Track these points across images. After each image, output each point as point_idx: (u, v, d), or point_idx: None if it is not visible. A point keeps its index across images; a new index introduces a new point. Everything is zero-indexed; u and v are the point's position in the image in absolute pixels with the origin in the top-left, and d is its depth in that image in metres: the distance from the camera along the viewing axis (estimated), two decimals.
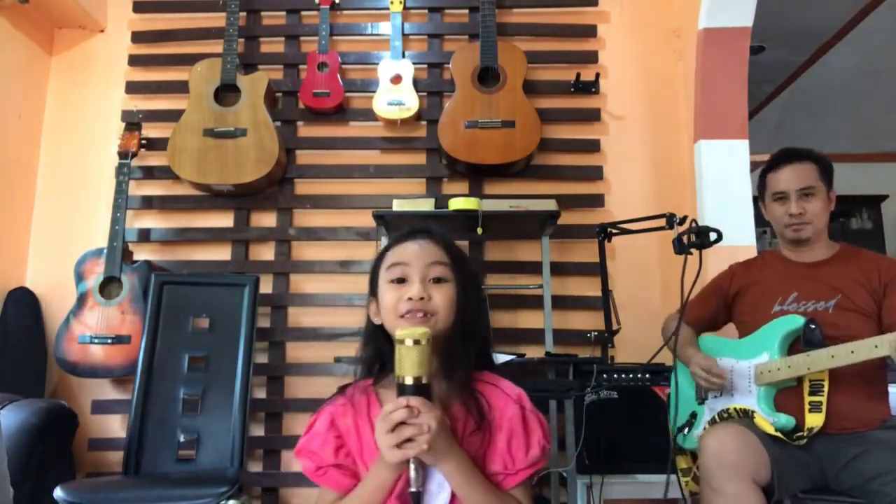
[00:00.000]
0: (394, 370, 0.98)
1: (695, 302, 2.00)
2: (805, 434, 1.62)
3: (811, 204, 1.83)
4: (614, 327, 2.41)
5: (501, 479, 1.06)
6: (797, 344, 1.73)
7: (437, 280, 1.08)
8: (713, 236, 1.92)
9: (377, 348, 1.13)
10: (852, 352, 1.55)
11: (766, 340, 1.77)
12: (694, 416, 1.91)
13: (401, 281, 1.08)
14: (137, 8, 3.06)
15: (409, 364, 0.96)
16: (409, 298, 1.05)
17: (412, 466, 0.97)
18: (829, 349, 1.60)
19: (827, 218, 1.87)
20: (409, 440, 0.94)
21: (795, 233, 1.86)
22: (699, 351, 1.90)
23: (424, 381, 0.96)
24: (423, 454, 0.95)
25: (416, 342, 0.96)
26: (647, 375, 2.22)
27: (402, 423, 0.94)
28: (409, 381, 0.96)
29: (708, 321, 2.04)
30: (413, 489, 0.97)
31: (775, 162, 1.91)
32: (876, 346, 1.51)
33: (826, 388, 1.64)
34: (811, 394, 1.67)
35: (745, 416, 1.70)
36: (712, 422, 1.79)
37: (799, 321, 1.72)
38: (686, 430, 1.90)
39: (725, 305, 2.00)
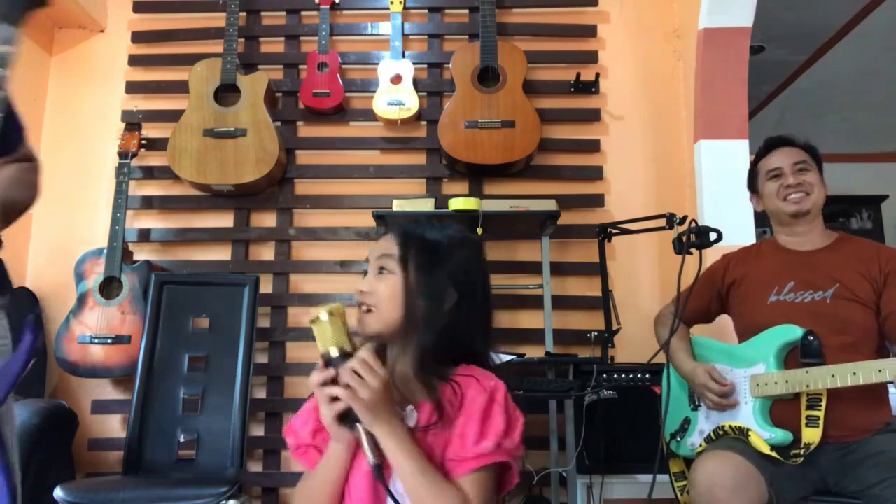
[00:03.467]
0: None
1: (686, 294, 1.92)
2: (801, 451, 1.57)
3: (807, 175, 1.81)
4: (614, 327, 2.41)
5: (452, 465, 1.01)
6: (794, 353, 1.68)
7: (381, 271, 1.11)
8: (713, 236, 1.92)
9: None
10: (854, 373, 1.51)
11: (763, 350, 1.71)
12: (687, 421, 1.88)
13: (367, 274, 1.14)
14: (137, 8, 3.06)
15: (325, 338, 1.00)
16: (359, 290, 1.10)
17: (363, 438, 0.99)
18: (831, 368, 1.56)
19: (823, 198, 1.83)
20: (337, 398, 0.98)
21: (796, 205, 1.80)
22: (699, 363, 1.83)
23: (347, 348, 1.01)
24: (360, 410, 0.97)
25: (330, 314, 1.00)
26: (647, 375, 2.23)
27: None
28: (334, 352, 1.00)
29: (701, 313, 1.99)
30: (372, 461, 0.97)
31: (765, 148, 1.91)
32: (879, 371, 1.47)
33: (824, 403, 1.60)
34: (809, 408, 1.62)
35: (741, 435, 1.65)
36: (707, 439, 1.75)
37: (797, 332, 1.66)
38: (679, 436, 1.87)
39: (719, 297, 1.94)
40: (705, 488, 1.50)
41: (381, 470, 0.97)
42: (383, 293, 1.08)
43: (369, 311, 1.08)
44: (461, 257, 1.13)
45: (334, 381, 0.99)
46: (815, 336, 1.64)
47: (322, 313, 1.00)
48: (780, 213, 1.85)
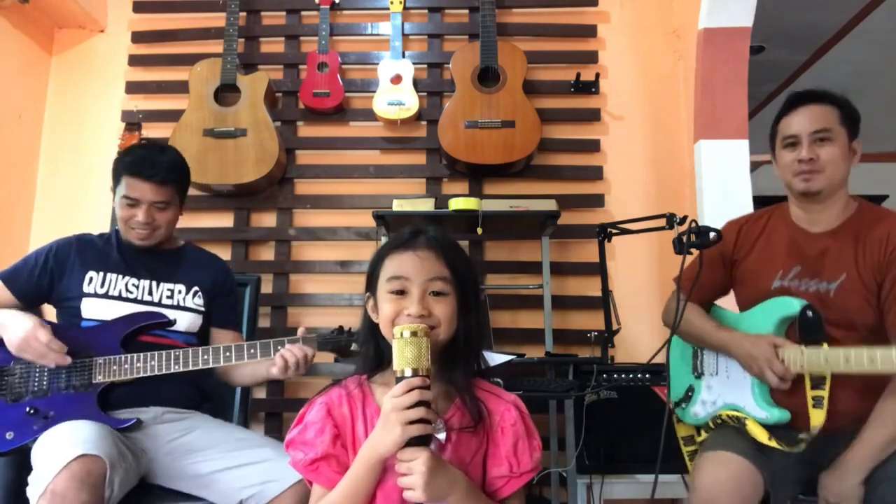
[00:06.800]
0: (392, 366, 0.99)
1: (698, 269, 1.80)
2: (806, 437, 1.53)
3: (825, 150, 1.61)
4: (614, 327, 2.41)
5: (506, 482, 1.06)
6: (794, 330, 1.61)
7: (437, 294, 1.08)
8: (713, 236, 1.91)
9: (376, 344, 1.14)
10: (847, 360, 1.46)
11: (761, 324, 1.66)
12: (691, 389, 1.85)
13: (400, 293, 1.08)
14: (137, 8, 3.06)
15: (406, 357, 0.97)
16: (409, 315, 1.05)
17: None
18: (822, 351, 1.51)
19: (844, 171, 1.66)
20: (418, 422, 0.95)
21: (805, 182, 1.65)
22: (745, 334, 1.68)
23: (422, 374, 0.97)
24: (422, 498, 0.94)
25: (414, 333, 0.98)
26: (647, 375, 2.23)
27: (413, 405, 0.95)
28: (408, 372, 0.97)
29: (716, 289, 1.88)
30: None
31: (789, 104, 1.68)
32: (871, 360, 1.42)
33: (828, 383, 1.54)
34: (814, 387, 1.55)
35: (738, 423, 1.62)
36: (707, 429, 1.73)
37: (795, 306, 1.60)
38: (683, 404, 1.84)
39: (727, 269, 1.84)
40: (706, 492, 1.49)
41: None
42: (441, 315, 1.06)
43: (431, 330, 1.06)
44: (474, 269, 1.17)
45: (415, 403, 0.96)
46: (815, 311, 1.58)
47: (406, 331, 0.98)
48: (791, 188, 1.72)
